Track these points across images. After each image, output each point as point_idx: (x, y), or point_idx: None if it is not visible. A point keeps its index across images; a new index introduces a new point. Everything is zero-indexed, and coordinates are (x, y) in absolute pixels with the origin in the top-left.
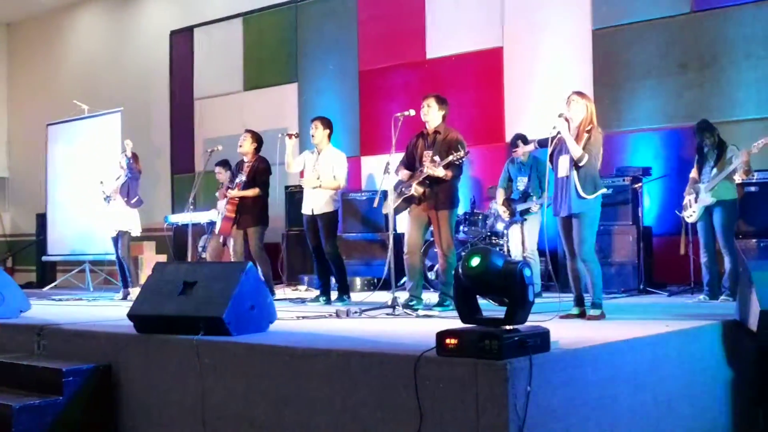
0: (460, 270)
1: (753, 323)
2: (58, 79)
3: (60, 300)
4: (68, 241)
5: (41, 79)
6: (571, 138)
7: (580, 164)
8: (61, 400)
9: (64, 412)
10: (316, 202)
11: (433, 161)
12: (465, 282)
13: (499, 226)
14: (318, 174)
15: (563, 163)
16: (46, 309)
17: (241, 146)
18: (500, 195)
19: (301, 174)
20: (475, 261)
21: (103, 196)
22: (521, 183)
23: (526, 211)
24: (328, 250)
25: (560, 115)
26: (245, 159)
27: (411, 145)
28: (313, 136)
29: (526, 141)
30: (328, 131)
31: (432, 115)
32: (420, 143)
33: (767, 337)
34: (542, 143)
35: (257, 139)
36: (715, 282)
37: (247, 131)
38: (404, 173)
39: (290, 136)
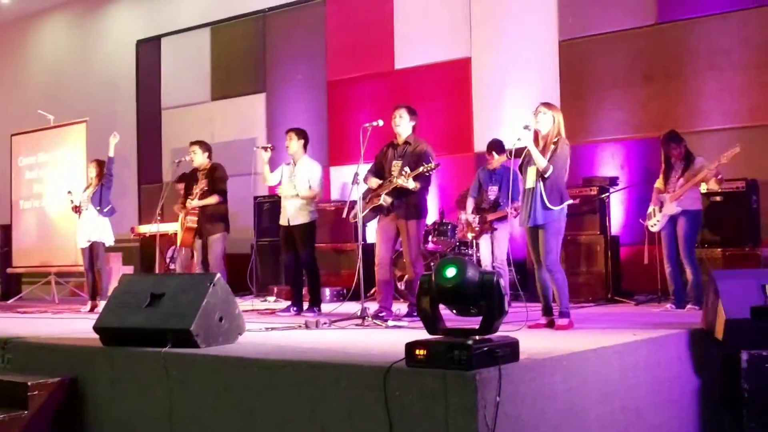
0: (433, 280)
1: (719, 332)
2: (23, 89)
3: (25, 312)
4: (33, 253)
5: (5, 89)
6: (536, 149)
7: (545, 176)
8: (26, 415)
9: (30, 427)
10: (292, 213)
11: (402, 172)
12: (438, 292)
13: (470, 235)
14: (294, 184)
15: (530, 174)
16: (11, 322)
17: (193, 161)
18: (470, 204)
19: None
20: (451, 271)
21: (71, 206)
22: (492, 192)
23: (497, 221)
24: (306, 260)
25: (525, 127)
26: (199, 168)
27: (381, 154)
28: (287, 147)
29: (502, 147)
30: (303, 141)
31: (403, 125)
32: (390, 153)
33: (733, 345)
34: (518, 153)
35: (206, 147)
36: (681, 291)
37: (193, 143)
38: (374, 181)
39: (265, 149)
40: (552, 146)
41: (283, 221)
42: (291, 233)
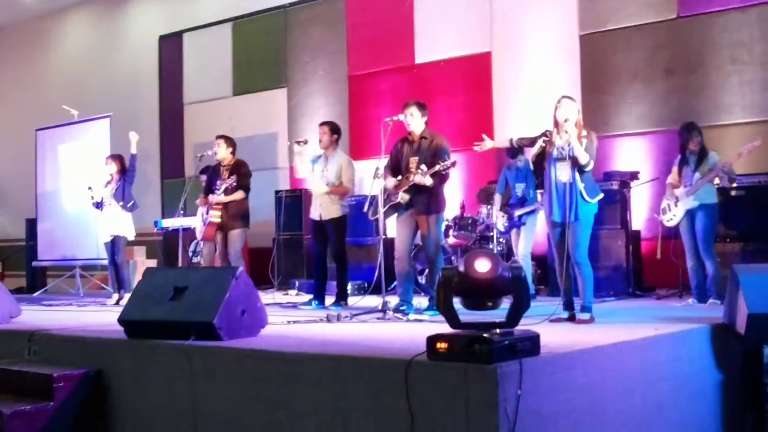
0: (461, 272)
1: (741, 326)
2: (47, 84)
3: (50, 305)
4: (58, 247)
5: (30, 84)
6: (578, 144)
7: (587, 169)
8: (51, 406)
9: (55, 418)
10: (324, 208)
11: (419, 170)
12: (465, 285)
13: (500, 227)
14: (326, 179)
15: (563, 169)
16: (37, 314)
17: (216, 153)
18: (498, 200)
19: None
20: (485, 265)
21: (92, 202)
22: (519, 189)
23: (525, 215)
24: (337, 253)
25: (566, 120)
26: (222, 163)
27: (396, 150)
28: (320, 140)
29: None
30: (335, 136)
31: (415, 123)
32: (406, 149)
33: (755, 340)
34: (521, 143)
35: (231, 143)
36: (703, 285)
37: (219, 137)
38: (391, 182)
39: (298, 143)
40: (584, 139)
41: (314, 215)
42: (322, 227)
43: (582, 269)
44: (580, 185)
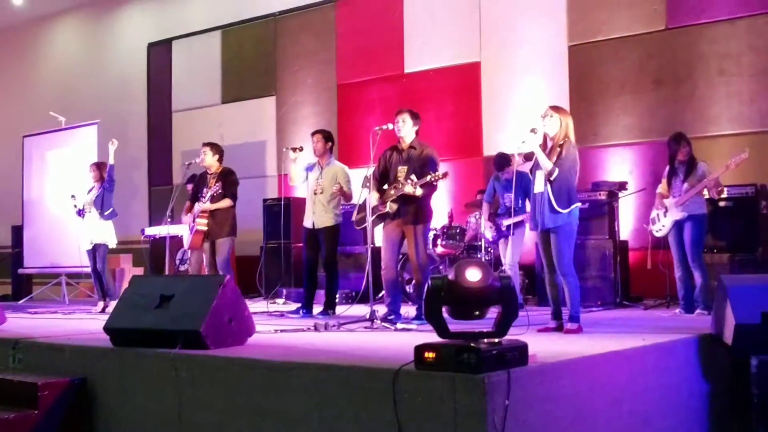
0: (451, 281)
1: (728, 337)
2: (35, 91)
3: (36, 313)
4: (44, 254)
5: (17, 90)
6: (542, 153)
7: (551, 178)
8: (36, 414)
9: (40, 427)
10: (318, 216)
11: (410, 180)
12: (455, 294)
13: (488, 237)
14: (322, 188)
15: (539, 178)
16: (22, 322)
17: (202, 161)
18: (485, 210)
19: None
20: (476, 274)
21: (74, 210)
22: (508, 199)
23: (513, 225)
24: (328, 261)
25: (532, 130)
26: (209, 171)
27: (384, 159)
28: (314, 149)
29: (508, 160)
30: (329, 144)
31: (406, 130)
32: (394, 157)
33: (742, 350)
34: (528, 156)
35: (218, 150)
36: (690, 296)
37: (205, 144)
38: (374, 198)
39: (294, 149)
40: (558, 149)
41: (307, 223)
42: (315, 236)
43: (567, 280)
44: (550, 194)
